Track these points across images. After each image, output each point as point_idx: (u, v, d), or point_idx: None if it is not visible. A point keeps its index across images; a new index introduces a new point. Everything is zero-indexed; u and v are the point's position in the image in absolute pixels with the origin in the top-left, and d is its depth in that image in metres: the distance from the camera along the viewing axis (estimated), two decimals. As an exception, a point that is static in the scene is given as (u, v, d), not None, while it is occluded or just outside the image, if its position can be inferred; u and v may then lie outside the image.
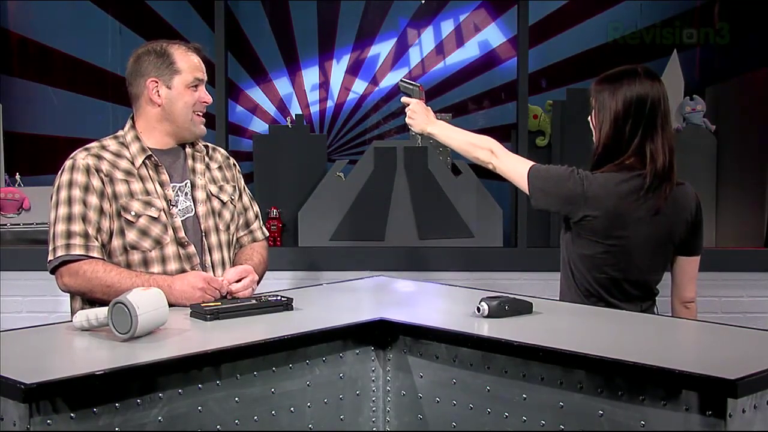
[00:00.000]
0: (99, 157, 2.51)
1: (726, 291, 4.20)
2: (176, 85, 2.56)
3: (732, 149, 4.63)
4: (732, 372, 1.61)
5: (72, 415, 1.63)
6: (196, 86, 2.57)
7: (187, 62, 2.57)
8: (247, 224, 2.75)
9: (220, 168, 2.71)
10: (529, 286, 3.97)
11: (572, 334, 2.14)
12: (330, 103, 5.10)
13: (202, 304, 2.23)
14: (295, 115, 4.81)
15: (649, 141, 2.49)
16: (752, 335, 2.06)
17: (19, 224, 4.32)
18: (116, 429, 1.69)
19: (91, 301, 2.46)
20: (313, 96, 5.10)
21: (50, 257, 2.46)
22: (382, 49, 5.09)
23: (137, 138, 2.57)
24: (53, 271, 2.47)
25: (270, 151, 4.62)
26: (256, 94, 5.08)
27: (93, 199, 2.46)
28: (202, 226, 2.58)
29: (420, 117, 2.75)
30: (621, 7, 4.98)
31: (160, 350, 1.90)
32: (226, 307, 2.21)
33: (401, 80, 2.88)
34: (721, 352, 1.95)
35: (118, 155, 2.54)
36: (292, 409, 2.00)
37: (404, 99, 2.81)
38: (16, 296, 4.06)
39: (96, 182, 2.47)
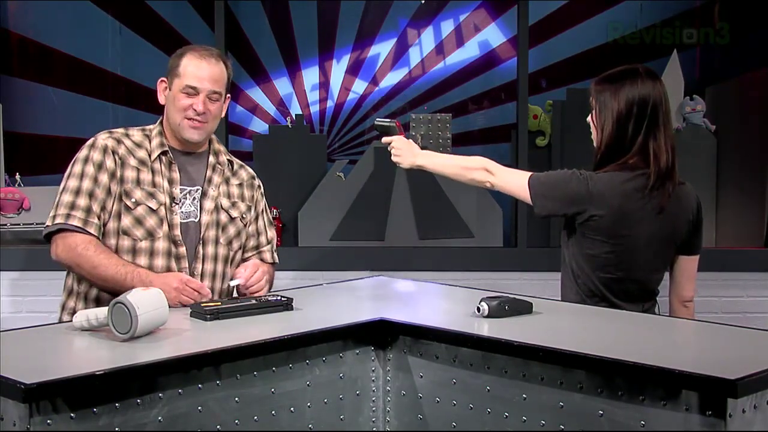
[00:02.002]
0: (119, 141, 2.57)
1: (726, 291, 4.20)
2: (174, 88, 2.58)
3: (732, 149, 4.63)
4: (732, 372, 1.61)
5: (72, 415, 1.63)
6: (190, 93, 2.56)
7: (190, 68, 2.57)
8: (257, 247, 2.73)
9: (240, 185, 2.72)
10: (529, 286, 3.97)
11: (572, 334, 2.15)
12: (330, 103, 5.10)
13: (202, 304, 2.23)
14: (295, 115, 4.81)
15: (652, 140, 2.50)
16: (752, 335, 2.06)
17: (19, 224, 4.32)
18: (116, 429, 1.69)
19: (79, 280, 2.53)
20: (313, 96, 5.10)
21: (48, 222, 2.50)
22: (382, 49, 5.09)
23: (161, 134, 2.61)
24: (48, 237, 2.52)
25: (270, 151, 4.62)
26: (256, 94, 5.08)
27: (104, 178, 2.51)
28: (202, 235, 2.58)
29: (405, 152, 2.75)
30: (621, 7, 4.97)
31: (160, 350, 1.90)
32: (226, 307, 2.21)
33: (376, 121, 2.87)
34: (721, 352, 1.95)
35: (138, 145, 2.59)
36: (292, 409, 2.00)
37: (385, 139, 2.80)
38: (16, 296, 4.06)
39: (110, 162, 2.52)
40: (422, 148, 4.38)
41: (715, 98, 4.74)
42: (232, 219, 2.65)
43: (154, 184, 2.54)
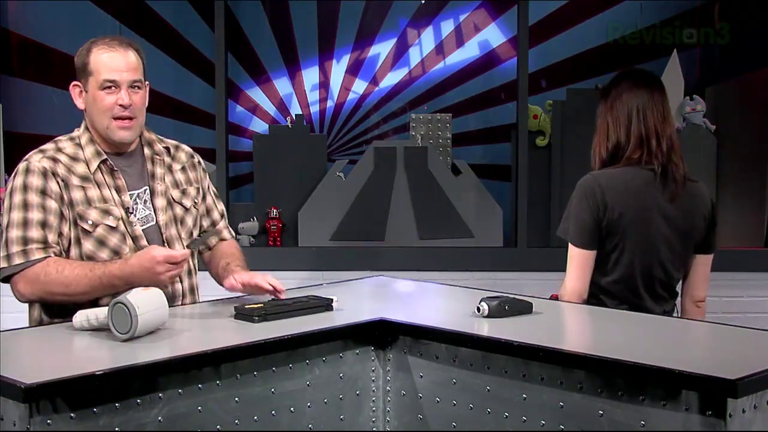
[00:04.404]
0: (55, 160, 2.36)
1: (726, 291, 4.19)
2: (91, 89, 2.37)
3: (732, 149, 4.63)
4: (732, 372, 1.61)
5: (72, 415, 1.63)
6: (109, 88, 2.35)
7: (100, 62, 2.35)
8: (213, 225, 2.61)
9: (183, 169, 2.55)
10: (529, 286, 3.96)
11: (572, 334, 2.15)
12: (330, 103, 5.09)
13: (246, 306, 2.20)
14: (295, 115, 4.81)
15: (646, 139, 2.54)
16: (752, 335, 2.06)
17: (19, 224, 4.32)
18: (116, 429, 1.69)
19: (48, 306, 2.35)
20: (313, 96, 5.10)
21: (3, 264, 2.29)
22: (382, 49, 5.09)
23: (92, 141, 2.41)
24: (7, 280, 2.31)
25: (270, 151, 4.61)
26: (256, 94, 5.08)
27: (52, 204, 2.31)
28: (164, 236, 2.43)
29: None
30: (621, 7, 4.97)
31: (160, 350, 1.90)
32: (274, 307, 2.19)
33: None
34: (721, 352, 1.96)
35: (74, 158, 2.38)
36: (292, 409, 2.00)
37: None
38: (16, 296, 4.05)
39: (53, 186, 2.32)
40: (421, 147, 4.40)
41: (715, 98, 4.74)
42: (186, 210, 2.49)
43: (104, 199, 2.35)
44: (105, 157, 2.40)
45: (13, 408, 1.58)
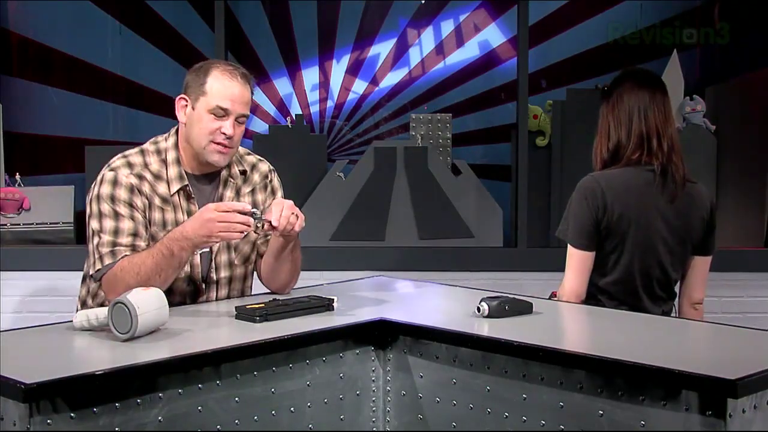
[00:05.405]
0: (141, 178, 2.42)
1: (726, 291, 4.19)
2: (199, 107, 2.40)
3: (732, 149, 4.63)
4: (732, 372, 1.61)
5: (72, 415, 1.63)
6: (219, 114, 2.38)
7: (218, 87, 2.39)
8: (266, 237, 2.57)
9: (252, 191, 2.58)
10: (529, 286, 3.97)
11: (572, 334, 2.15)
12: (330, 103, 5.09)
13: (247, 306, 2.20)
14: (295, 115, 4.81)
15: (647, 138, 2.54)
16: (752, 335, 2.06)
17: (19, 224, 4.32)
18: (116, 429, 1.69)
19: (94, 296, 2.44)
20: (313, 96, 5.10)
21: (98, 266, 2.36)
22: (382, 49, 5.09)
23: (178, 161, 2.46)
24: (100, 280, 2.38)
25: (270, 151, 4.61)
26: (256, 94, 5.07)
27: (140, 217, 2.39)
28: (215, 261, 2.48)
29: None
30: (621, 7, 4.97)
31: (160, 350, 1.90)
32: (274, 308, 2.19)
33: None
34: (721, 352, 1.96)
35: (158, 177, 2.44)
36: (292, 409, 2.00)
37: None
38: (16, 296, 4.06)
39: (140, 202, 2.39)
40: (421, 147, 4.40)
41: (715, 98, 4.74)
42: (244, 236, 2.42)
43: (176, 223, 2.40)
44: (186, 183, 2.46)
45: (13, 408, 1.58)
